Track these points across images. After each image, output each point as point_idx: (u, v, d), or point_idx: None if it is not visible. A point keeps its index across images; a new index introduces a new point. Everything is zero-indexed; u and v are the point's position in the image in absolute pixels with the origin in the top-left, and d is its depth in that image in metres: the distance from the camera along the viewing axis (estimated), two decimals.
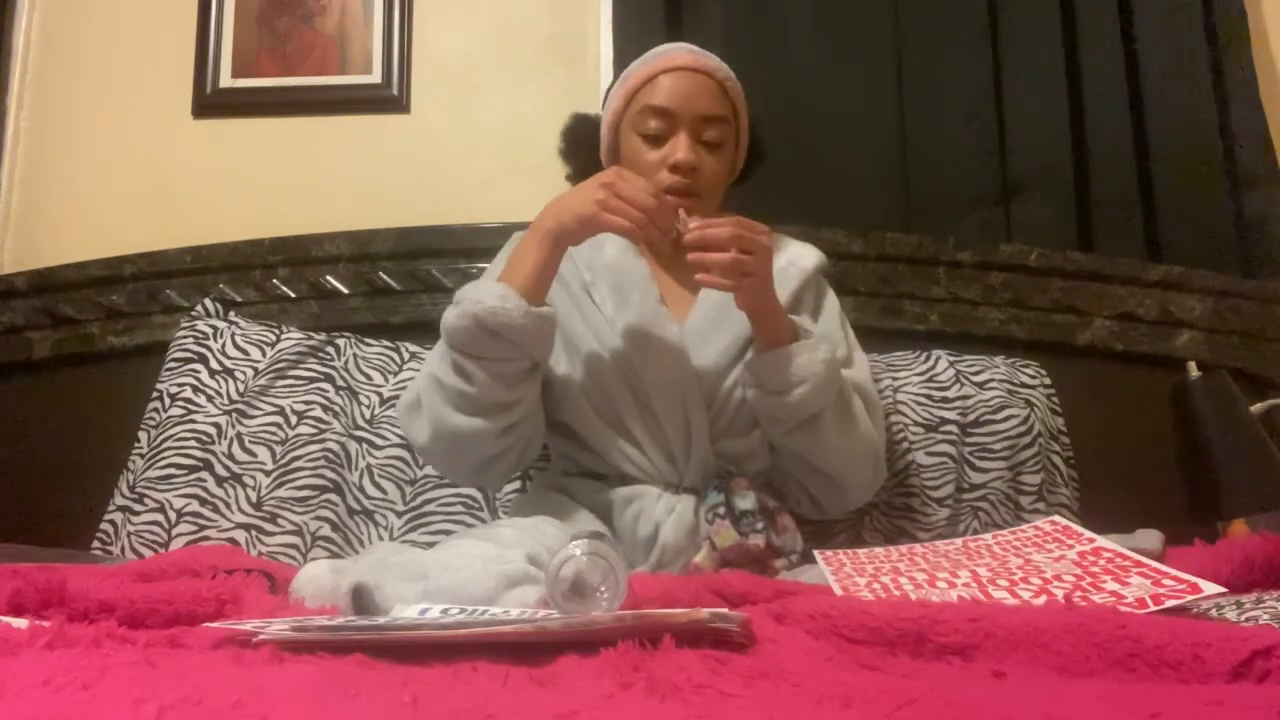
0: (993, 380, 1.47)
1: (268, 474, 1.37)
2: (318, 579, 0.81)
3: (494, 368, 1.05)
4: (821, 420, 1.11)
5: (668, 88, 1.18)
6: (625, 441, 1.15)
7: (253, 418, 1.41)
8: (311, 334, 1.51)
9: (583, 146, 1.31)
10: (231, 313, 1.57)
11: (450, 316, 1.06)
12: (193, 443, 1.39)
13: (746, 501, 1.11)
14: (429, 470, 1.38)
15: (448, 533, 1.31)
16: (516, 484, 1.38)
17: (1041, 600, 0.72)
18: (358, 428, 1.42)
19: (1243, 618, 0.68)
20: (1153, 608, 0.66)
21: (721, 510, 1.09)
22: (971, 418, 1.42)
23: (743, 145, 1.27)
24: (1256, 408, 1.53)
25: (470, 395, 1.07)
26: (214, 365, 1.46)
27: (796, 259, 1.28)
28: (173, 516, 1.34)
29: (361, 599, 0.75)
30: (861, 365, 1.26)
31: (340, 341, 1.51)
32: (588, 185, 1.07)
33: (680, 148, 1.16)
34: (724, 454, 1.16)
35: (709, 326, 1.18)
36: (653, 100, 1.18)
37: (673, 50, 1.23)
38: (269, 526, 1.34)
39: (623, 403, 1.15)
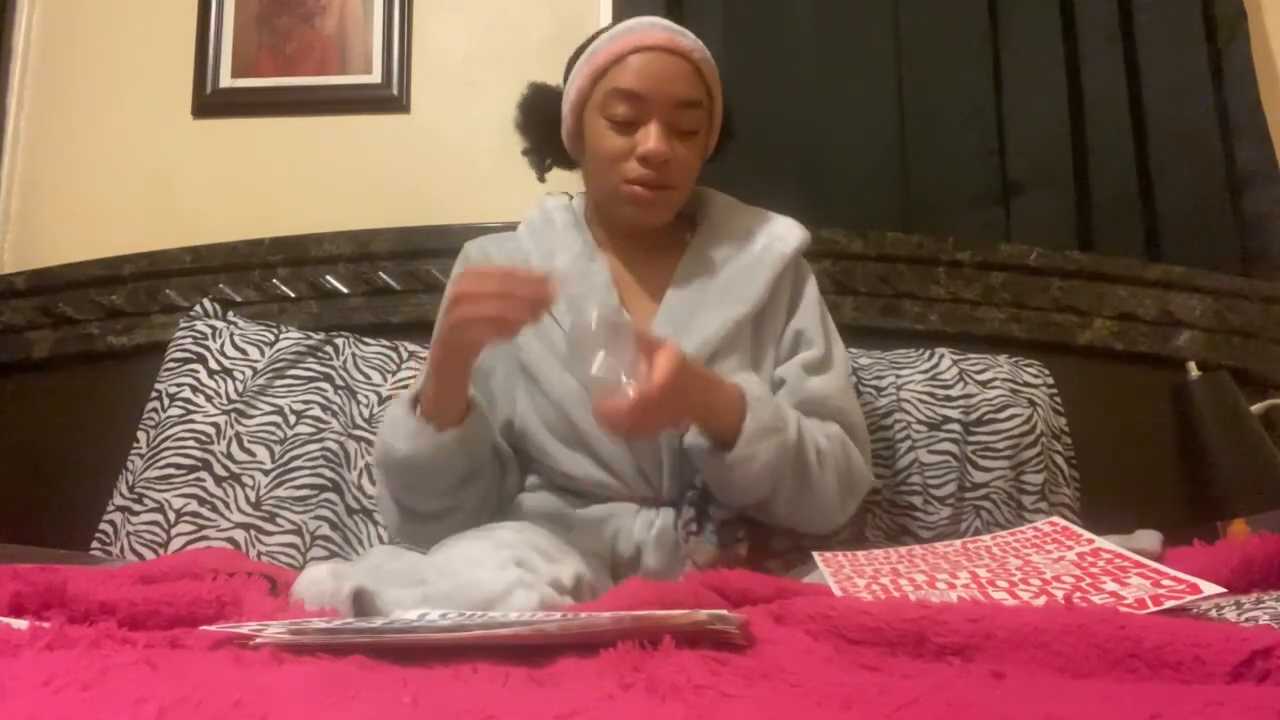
0: (996, 379, 1.46)
1: (267, 473, 1.37)
2: (319, 583, 0.81)
3: (428, 488, 1.04)
4: (775, 499, 1.04)
5: (639, 70, 1.08)
6: (593, 463, 1.10)
7: (251, 417, 1.41)
8: (310, 333, 1.51)
9: (543, 120, 1.21)
10: (230, 312, 1.57)
11: (374, 455, 1.07)
12: (192, 443, 1.39)
13: (726, 510, 1.06)
14: None
15: None
16: None
17: (1041, 601, 0.72)
18: (356, 427, 1.42)
19: (1242, 618, 0.68)
20: (1152, 608, 0.66)
21: (694, 526, 1.05)
22: (974, 416, 1.42)
23: (715, 129, 1.19)
24: (1256, 408, 1.53)
25: (415, 510, 1.07)
26: (213, 365, 1.46)
27: (774, 241, 1.19)
28: (172, 516, 1.34)
29: (362, 603, 0.75)
30: (838, 371, 1.17)
31: (339, 341, 1.51)
32: (445, 303, 0.99)
33: (651, 137, 1.08)
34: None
35: (673, 334, 1.08)
36: (622, 83, 1.08)
37: (645, 26, 1.12)
38: (268, 526, 1.34)
39: (585, 424, 1.08)
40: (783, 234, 1.20)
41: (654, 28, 1.12)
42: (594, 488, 1.10)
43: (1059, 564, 0.81)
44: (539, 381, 1.12)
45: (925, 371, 1.48)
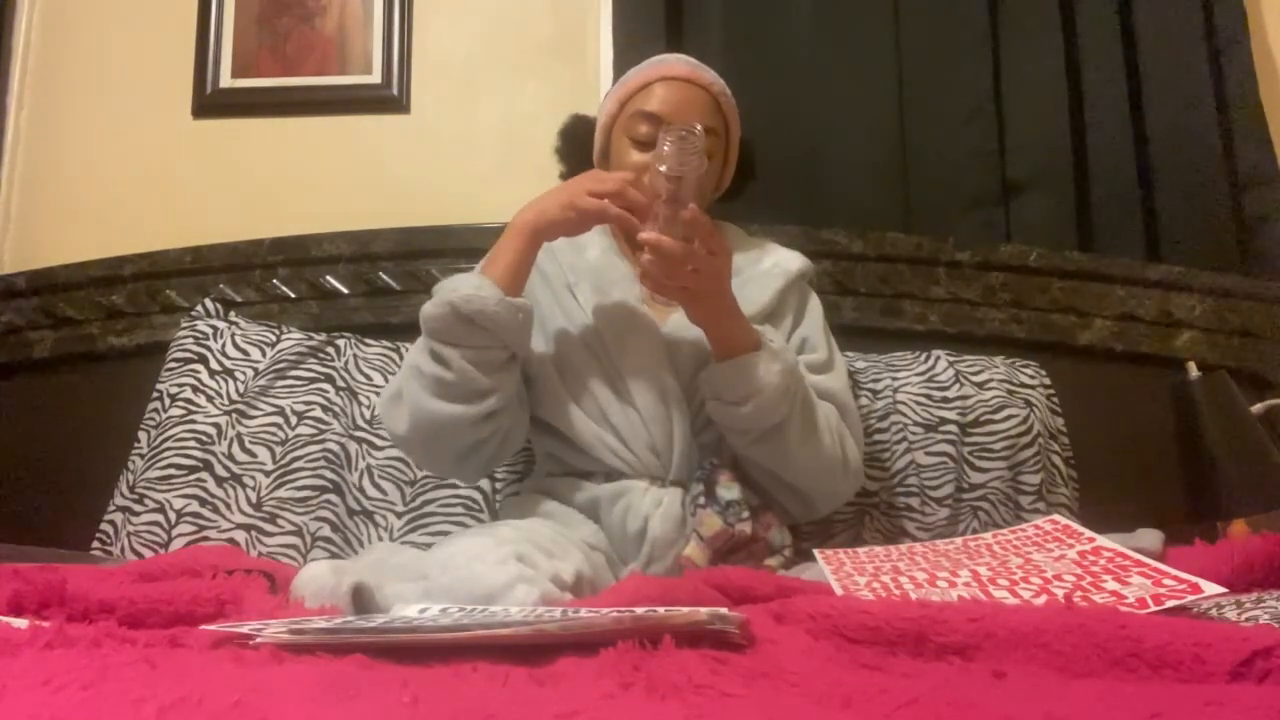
0: (992, 380, 1.46)
1: (268, 474, 1.37)
2: (319, 579, 0.82)
3: (470, 355, 1.08)
4: (784, 431, 1.10)
5: (661, 95, 1.20)
6: (609, 435, 1.15)
7: (253, 418, 1.41)
8: (311, 334, 1.51)
9: (578, 147, 1.32)
10: (231, 313, 1.57)
11: (428, 306, 1.10)
12: (193, 443, 1.39)
13: (731, 492, 1.10)
14: (429, 471, 1.38)
15: (447, 534, 1.31)
16: (514, 487, 1.38)
17: (1042, 600, 0.72)
18: (357, 428, 1.42)
19: (1243, 618, 0.68)
20: (1153, 608, 0.66)
21: (702, 500, 1.09)
22: (971, 417, 1.42)
23: (731, 161, 1.28)
24: (1256, 408, 1.53)
25: (448, 381, 1.08)
26: (214, 365, 1.46)
27: (782, 261, 1.29)
28: (172, 517, 1.34)
29: (362, 598, 0.75)
30: (840, 374, 1.26)
31: (340, 342, 1.51)
32: (566, 184, 1.15)
33: None
34: (708, 446, 1.16)
35: (690, 332, 1.17)
36: (645, 106, 1.20)
37: (671, 60, 1.25)
38: (269, 527, 1.34)
39: (603, 396, 1.16)
40: (789, 258, 1.30)
41: (679, 62, 1.24)
42: (608, 459, 1.15)
43: (1060, 562, 0.81)
44: (562, 351, 1.19)
45: (921, 374, 1.48)
